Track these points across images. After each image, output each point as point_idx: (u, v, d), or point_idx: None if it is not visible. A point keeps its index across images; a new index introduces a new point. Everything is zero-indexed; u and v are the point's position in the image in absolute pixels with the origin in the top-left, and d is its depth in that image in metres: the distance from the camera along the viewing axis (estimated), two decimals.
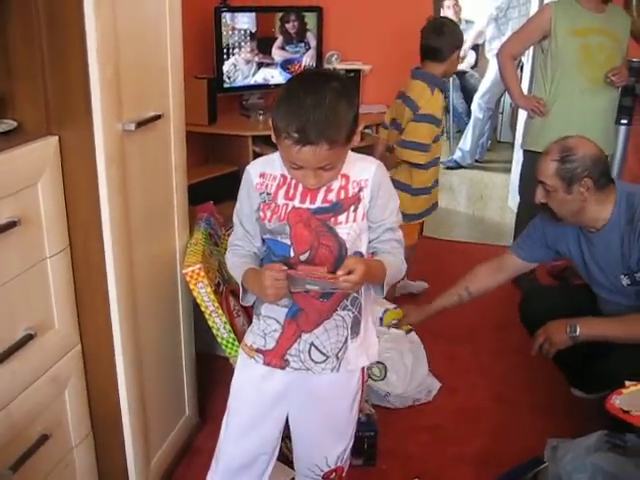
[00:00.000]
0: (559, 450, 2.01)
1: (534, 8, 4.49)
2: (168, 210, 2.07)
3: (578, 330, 2.21)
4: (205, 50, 3.58)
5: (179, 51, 1.98)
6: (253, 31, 3.65)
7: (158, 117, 1.87)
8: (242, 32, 3.62)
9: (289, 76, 3.86)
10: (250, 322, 2.45)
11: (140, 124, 1.75)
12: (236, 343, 2.08)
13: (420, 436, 2.48)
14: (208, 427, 2.47)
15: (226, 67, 3.61)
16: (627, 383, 1.61)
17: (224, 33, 3.54)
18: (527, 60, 4.74)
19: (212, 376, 2.69)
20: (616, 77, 3.19)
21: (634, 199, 2.19)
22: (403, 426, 2.51)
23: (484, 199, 5.33)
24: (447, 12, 5.95)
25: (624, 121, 3.72)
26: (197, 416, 2.46)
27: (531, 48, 3.61)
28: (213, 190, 3.37)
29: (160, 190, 2.00)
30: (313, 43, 3.89)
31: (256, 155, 3.49)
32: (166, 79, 1.94)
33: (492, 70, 5.74)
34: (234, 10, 3.57)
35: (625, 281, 2.26)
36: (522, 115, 4.04)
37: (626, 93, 3.55)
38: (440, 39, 2.94)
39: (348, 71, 3.95)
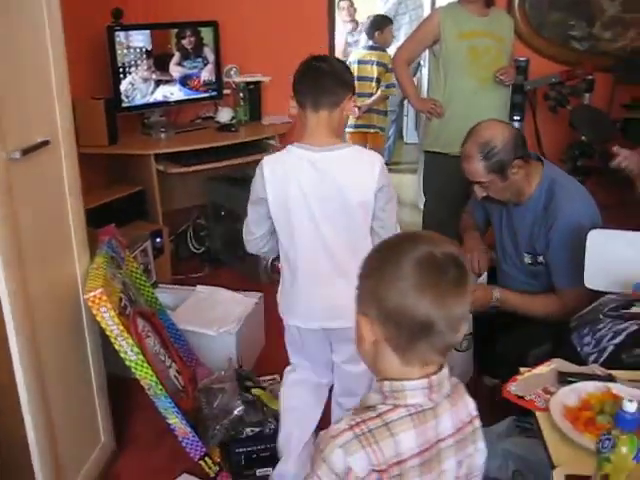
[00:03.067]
0: None
1: (427, 13, 4.61)
2: (65, 236, 2.03)
3: (498, 296, 2.34)
4: (100, 70, 3.52)
5: (64, 75, 1.94)
6: (149, 49, 3.61)
7: (46, 143, 1.83)
8: (137, 50, 3.57)
9: (190, 92, 3.85)
10: (162, 342, 2.45)
11: (26, 151, 1.71)
12: (145, 364, 2.06)
13: None
14: (126, 453, 2.44)
15: (123, 86, 3.56)
16: (522, 370, 1.68)
17: (119, 52, 3.49)
18: (425, 63, 4.87)
19: (128, 399, 2.65)
20: (504, 76, 3.32)
21: (555, 187, 2.26)
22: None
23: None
24: (342, 13, 5.98)
25: (517, 117, 3.89)
26: (114, 442, 2.41)
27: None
28: (118, 211, 3.34)
29: (54, 217, 1.97)
30: (211, 58, 3.87)
31: (159, 173, 3.46)
32: (52, 104, 1.90)
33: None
34: (127, 28, 3.52)
35: (527, 259, 2.37)
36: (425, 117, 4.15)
37: (516, 91, 3.70)
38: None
39: (248, 84, 3.97)
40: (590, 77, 3.79)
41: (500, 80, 3.33)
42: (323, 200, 1.92)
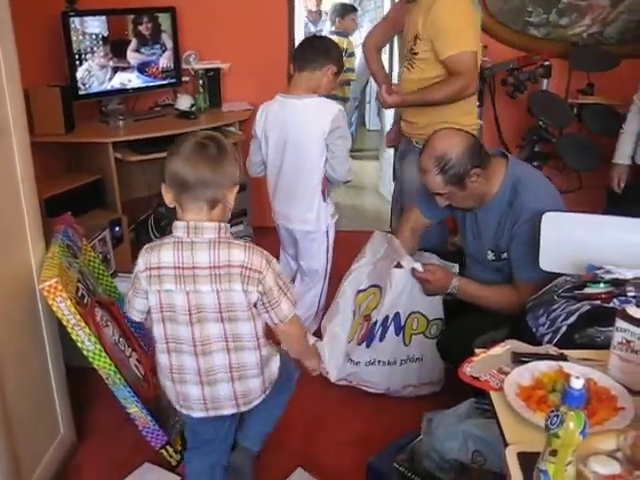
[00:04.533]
0: (434, 422, 2.10)
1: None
2: (19, 225, 2.00)
3: (456, 284, 2.41)
4: (56, 57, 3.46)
5: (14, 62, 1.90)
6: (105, 35, 3.55)
7: None
8: (93, 36, 3.51)
9: (148, 79, 3.80)
10: (122, 331, 2.42)
11: None
12: (103, 354, 2.04)
13: (299, 427, 2.53)
14: (86, 444, 2.42)
15: (80, 73, 3.50)
16: (477, 351, 1.70)
17: (74, 38, 3.42)
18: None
19: (88, 390, 2.63)
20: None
21: (519, 186, 2.28)
22: (282, 420, 2.54)
23: (356, 187, 5.44)
24: (309, 3, 5.96)
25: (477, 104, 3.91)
26: (74, 434, 2.39)
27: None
28: (77, 200, 3.29)
29: (7, 205, 1.93)
30: (169, 44, 3.82)
31: (118, 161, 3.42)
32: (2, 91, 1.86)
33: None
34: (83, 14, 3.45)
35: (490, 256, 2.41)
36: None
37: None
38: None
39: (207, 70, 3.93)
40: (547, 63, 3.84)
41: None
42: (290, 133, 2.65)
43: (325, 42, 2.75)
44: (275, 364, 1.88)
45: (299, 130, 2.67)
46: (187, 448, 2.03)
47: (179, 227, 1.67)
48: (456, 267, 2.57)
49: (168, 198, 1.68)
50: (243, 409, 1.84)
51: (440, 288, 2.45)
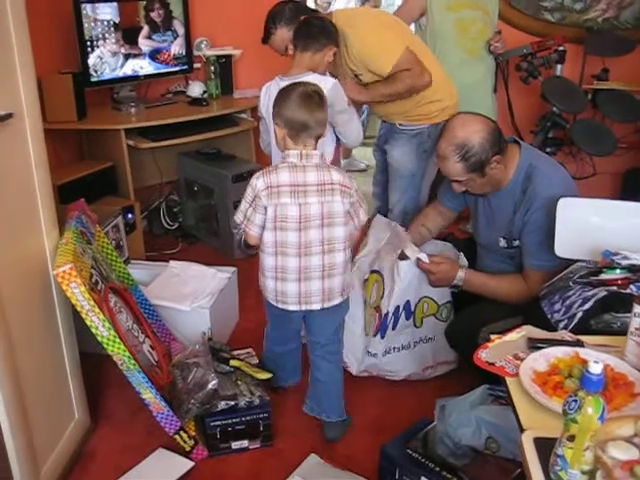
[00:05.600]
0: (447, 409, 2.09)
1: None
2: (33, 211, 2.00)
3: (462, 275, 2.39)
4: (68, 44, 3.45)
5: (27, 46, 1.89)
6: (117, 21, 3.54)
7: (9, 115, 1.79)
8: (105, 23, 3.50)
9: (160, 66, 3.79)
10: (135, 318, 2.44)
11: None
12: (117, 340, 2.04)
13: None
14: (101, 429, 2.44)
15: (92, 60, 3.49)
16: (492, 337, 1.69)
17: (86, 25, 3.41)
18: None
19: (102, 376, 2.64)
20: (498, 43, 3.44)
21: (533, 172, 2.25)
22: (296, 404, 2.55)
23: (368, 174, 5.41)
24: None
25: None
26: (88, 418, 2.40)
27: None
28: (89, 187, 3.29)
29: (21, 191, 1.93)
30: (181, 31, 3.81)
31: (130, 148, 3.42)
32: (15, 76, 1.86)
33: None
34: (94, 1, 3.44)
35: (502, 243, 2.39)
36: None
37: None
38: None
39: (219, 57, 3.91)
40: (561, 48, 3.79)
41: (495, 48, 3.39)
42: None
43: (325, 22, 2.72)
44: (349, 275, 2.32)
45: None
46: (268, 342, 2.52)
47: (292, 154, 2.12)
48: (463, 259, 2.55)
49: (281, 134, 2.13)
50: (326, 305, 2.24)
51: (445, 280, 2.44)
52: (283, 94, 2.13)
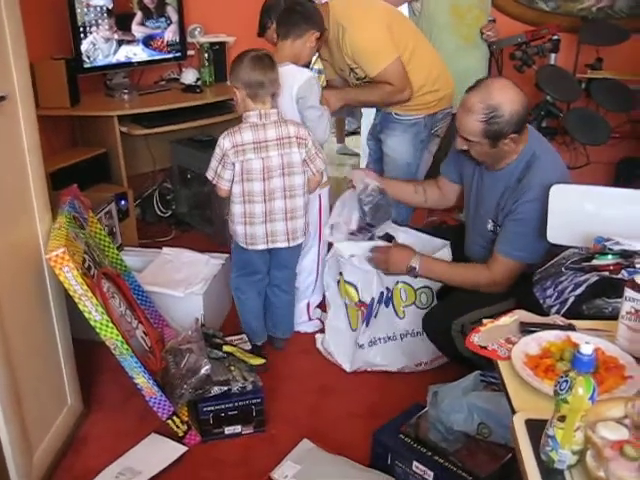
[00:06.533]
0: (439, 395, 2.11)
1: None
2: (25, 195, 1.99)
3: (418, 269, 2.37)
4: (60, 30, 3.43)
5: (20, 31, 1.88)
6: (110, 7, 3.51)
7: (2, 98, 1.78)
8: (98, 9, 3.48)
9: (153, 53, 3.78)
10: (128, 303, 2.43)
11: None
12: (110, 324, 2.04)
13: (306, 399, 2.54)
14: (93, 415, 2.44)
15: (84, 46, 3.47)
16: (484, 321, 1.70)
17: (79, 11, 3.39)
18: None
19: (95, 362, 2.64)
20: (491, 32, 3.43)
21: (533, 162, 2.20)
22: (289, 390, 2.56)
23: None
24: None
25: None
26: (81, 404, 2.41)
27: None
28: (82, 174, 3.28)
29: (14, 175, 1.92)
30: (174, 17, 3.79)
31: (123, 135, 3.41)
32: (8, 59, 1.84)
33: None
34: None
35: (490, 226, 2.38)
36: None
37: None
38: None
39: (213, 44, 3.90)
40: (555, 37, 3.80)
41: (487, 36, 3.38)
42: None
43: (305, 7, 2.68)
44: (309, 216, 2.63)
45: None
46: (238, 279, 2.72)
47: (253, 115, 2.38)
48: (448, 251, 2.55)
49: (241, 95, 2.38)
50: (292, 244, 2.57)
51: (398, 264, 2.42)
52: (237, 60, 2.39)
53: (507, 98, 2.11)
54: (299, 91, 2.59)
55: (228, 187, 2.45)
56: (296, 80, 2.58)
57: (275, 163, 2.42)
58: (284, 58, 2.62)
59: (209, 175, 2.47)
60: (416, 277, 2.45)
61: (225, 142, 2.38)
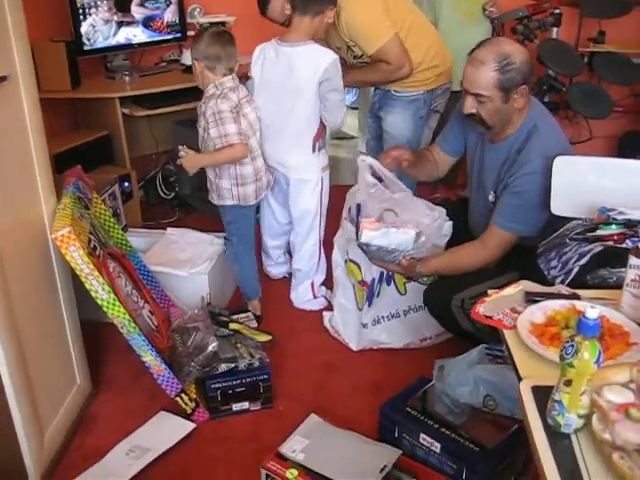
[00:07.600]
0: (445, 368, 2.12)
1: None
2: (29, 176, 2.00)
3: (421, 270, 2.36)
4: (60, 12, 3.41)
5: (20, 11, 1.88)
6: None
7: (3, 79, 1.78)
8: None
9: (153, 34, 3.76)
10: (134, 283, 2.44)
11: None
12: (117, 303, 2.05)
13: (314, 375, 2.56)
14: (102, 394, 2.46)
15: (84, 28, 3.46)
16: (489, 292, 1.71)
17: None
18: None
19: (102, 343, 2.66)
20: (493, 7, 3.42)
21: (533, 134, 2.19)
22: (295, 367, 2.57)
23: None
24: None
25: None
26: (90, 384, 2.43)
27: None
28: (85, 156, 3.28)
29: (18, 156, 1.93)
30: None
31: (125, 117, 3.40)
32: (9, 39, 1.84)
33: None
34: None
35: (491, 197, 2.37)
36: None
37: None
38: None
39: (213, 24, 3.87)
40: (557, 11, 3.78)
41: (490, 12, 3.37)
42: (285, 82, 2.63)
43: None
44: None
45: (293, 78, 2.61)
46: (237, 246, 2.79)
47: (226, 81, 2.52)
48: (449, 226, 2.52)
49: (199, 68, 2.51)
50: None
51: (406, 273, 2.44)
52: (199, 34, 2.57)
53: (516, 48, 2.15)
54: (325, 73, 2.55)
55: (241, 140, 2.52)
56: (322, 61, 2.56)
57: (252, 118, 2.60)
58: (303, 35, 2.59)
59: (234, 140, 2.49)
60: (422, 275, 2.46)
61: (224, 105, 2.47)
